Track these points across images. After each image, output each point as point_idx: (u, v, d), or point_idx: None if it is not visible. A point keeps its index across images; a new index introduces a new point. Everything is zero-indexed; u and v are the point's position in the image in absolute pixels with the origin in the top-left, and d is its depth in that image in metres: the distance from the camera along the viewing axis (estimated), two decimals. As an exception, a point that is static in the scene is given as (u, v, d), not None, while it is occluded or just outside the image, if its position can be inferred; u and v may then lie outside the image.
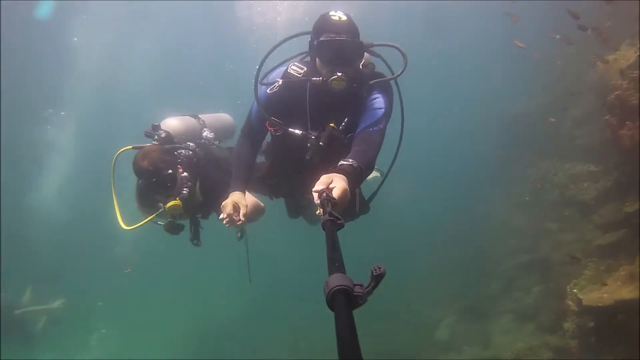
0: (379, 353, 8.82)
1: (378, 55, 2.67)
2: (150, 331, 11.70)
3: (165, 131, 3.30)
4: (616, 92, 6.02)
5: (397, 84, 2.74)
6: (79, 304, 10.82)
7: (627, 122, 5.86)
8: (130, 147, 3.24)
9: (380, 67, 2.73)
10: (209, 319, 12.04)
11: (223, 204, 2.65)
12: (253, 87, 2.75)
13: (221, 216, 2.64)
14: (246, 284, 3.68)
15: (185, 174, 3.19)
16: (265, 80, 2.76)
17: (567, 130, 9.04)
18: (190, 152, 3.31)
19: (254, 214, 2.77)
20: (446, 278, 10.39)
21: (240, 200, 2.68)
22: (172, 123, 3.46)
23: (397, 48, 2.56)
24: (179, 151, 3.28)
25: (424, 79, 15.28)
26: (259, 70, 2.67)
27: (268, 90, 2.73)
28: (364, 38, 2.56)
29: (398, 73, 2.60)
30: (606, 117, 6.27)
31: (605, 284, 5.50)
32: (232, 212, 2.61)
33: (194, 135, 3.53)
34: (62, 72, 12.33)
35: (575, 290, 5.97)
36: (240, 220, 2.63)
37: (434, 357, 8.42)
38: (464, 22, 14.07)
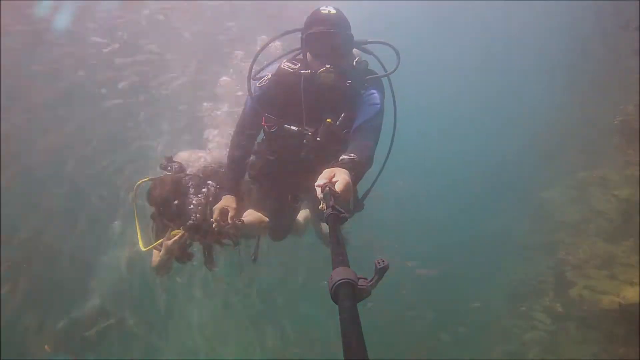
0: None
1: (371, 53, 2.65)
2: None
3: (178, 162, 3.47)
4: (620, 118, 6.46)
5: (390, 81, 2.71)
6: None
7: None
8: (147, 178, 3.45)
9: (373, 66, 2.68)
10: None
11: (213, 208, 2.65)
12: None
13: (212, 219, 2.64)
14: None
15: (194, 202, 3.30)
16: (258, 77, 2.72)
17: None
18: (200, 179, 3.41)
19: (252, 226, 2.71)
20: (526, 286, 10.25)
21: (230, 204, 2.65)
22: (183, 155, 3.67)
23: (390, 46, 2.54)
24: (189, 180, 3.39)
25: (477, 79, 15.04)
26: (251, 66, 2.65)
27: (258, 84, 2.69)
28: (376, 35, 2.57)
29: (392, 70, 2.58)
30: (616, 140, 6.66)
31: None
32: (219, 216, 2.58)
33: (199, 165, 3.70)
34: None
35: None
36: (227, 223, 2.59)
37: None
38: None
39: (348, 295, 1.04)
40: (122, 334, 8.56)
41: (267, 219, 2.74)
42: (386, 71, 2.62)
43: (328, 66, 2.40)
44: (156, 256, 3.43)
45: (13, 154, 6.65)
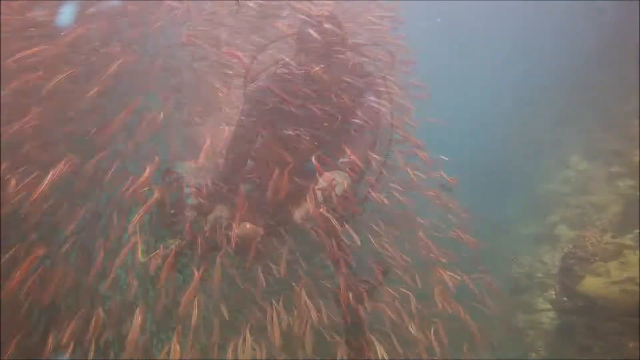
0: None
1: (366, 56, 2.67)
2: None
3: (176, 172, 3.44)
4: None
5: (385, 83, 2.71)
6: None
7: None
8: (147, 188, 3.41)
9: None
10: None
11: (207, 217, 2.65)
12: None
13: (205, 228, 2.64)
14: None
15: (190, 212, 3.32)
16: (253, 79, 2.74)
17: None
18: (199, 189, 3.43)
19: (245, 239, 2.69)
20: (530, 279, 10.33)
21: (224, 214, 2.64)
22: (186, 165, 3.65)
23: (385, 48, 2.59)
24: (187, 190, 3.39)
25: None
26: (247, 71, 2.67)
27: (253, 84, 2.71)
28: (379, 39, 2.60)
29: (388, 72, 2.62)
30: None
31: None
32: (212, 226, 2.58)
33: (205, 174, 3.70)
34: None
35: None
36: (221, 233, 2.58)
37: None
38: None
39: (351, 298, 1.06)
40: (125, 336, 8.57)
41: (261, 232, 2.70)
42: (382, 73, 2.64)
43: (322, 65, 2.42)
44: (154, 264, 3.47)
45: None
